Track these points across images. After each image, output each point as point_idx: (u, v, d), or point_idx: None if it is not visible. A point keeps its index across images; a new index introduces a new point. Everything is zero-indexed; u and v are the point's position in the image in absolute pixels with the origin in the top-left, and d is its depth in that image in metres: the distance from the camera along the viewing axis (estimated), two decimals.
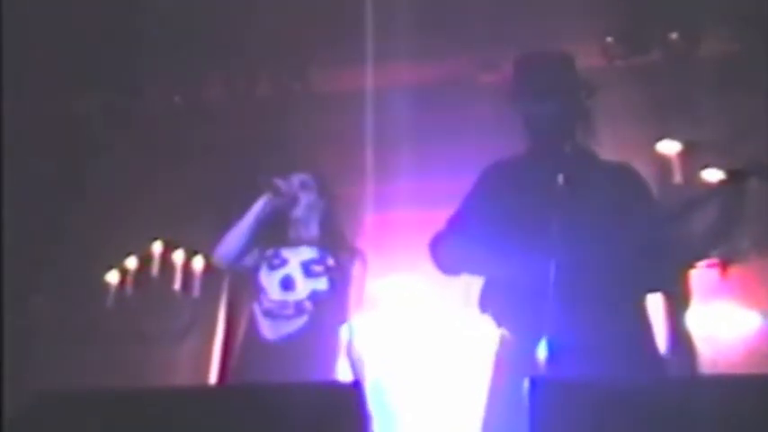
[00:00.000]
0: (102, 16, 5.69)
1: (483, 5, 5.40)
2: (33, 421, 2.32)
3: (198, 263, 5.86)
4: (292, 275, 4.06)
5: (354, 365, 4.04)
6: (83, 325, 5.87)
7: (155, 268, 5.96)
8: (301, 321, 3.98)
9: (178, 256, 5.95)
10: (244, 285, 4.32)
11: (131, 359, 5.59)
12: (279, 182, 4.17)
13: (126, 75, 6.20)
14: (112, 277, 5.93)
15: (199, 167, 6.12)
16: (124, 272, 5.96)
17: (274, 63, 6.27)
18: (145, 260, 5.97)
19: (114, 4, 5.61)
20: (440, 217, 3.26)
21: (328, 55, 5.88)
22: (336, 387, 2.96)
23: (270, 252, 4.16)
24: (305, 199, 4.22)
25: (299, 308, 4.00)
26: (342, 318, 4.06)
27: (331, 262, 4.11)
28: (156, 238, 6.01)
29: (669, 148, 5.27)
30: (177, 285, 5.92)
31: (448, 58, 5.88)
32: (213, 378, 5.64)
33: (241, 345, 4.17)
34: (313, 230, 4.23)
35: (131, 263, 5.97)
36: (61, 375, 5.27)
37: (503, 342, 3.08)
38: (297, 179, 4.24)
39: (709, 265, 4.55)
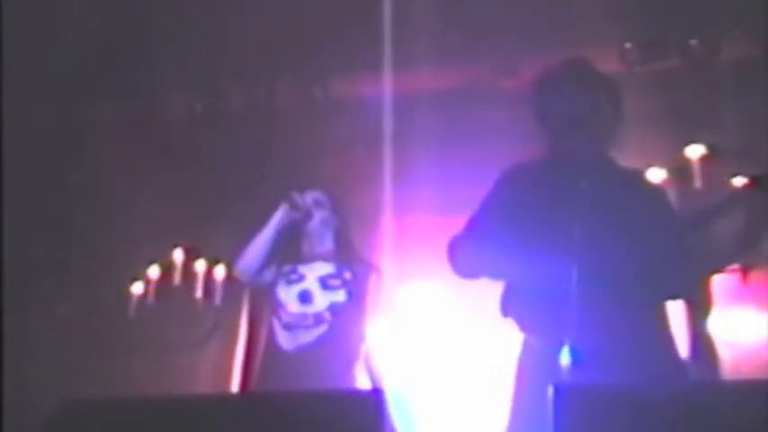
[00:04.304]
0: (123, 24, 5.72)
1: (502, 12, 5.40)
2: (60, 429, 2.34)
3: (219, 271, 5.88)
4: (310, 289, 4.14)
5: (373, 375, 4.08)
6: (106, 334, 5.90)
7: (176, 277, 5.99)
8: (320, 330, 4.05)
9: (200, 265, 5.96)
10: (265, 294, 4.35)
11: (154, 367, 5.61)
12: (296, 195, 4.25)
13: (147, 83, 6.23)
14: (135, 287, 5.96)
15: (219, 175, 6.14)
16: (147, 281, 5.98)
17: (295, 70, 6.28)
18: (167, 269, 6.00)
19: (136, 12, 5.63)
20: (460, 222, 3.26)
21: (349, 62, 5.89)
22: (357, 395, 2.97)
23: (287, 268, 4.24)
24: (318, 215, 4.29)
25: (318, 318, 4.07)
26: (360, 327, 4.12)
27: (348, 275, 4.18)
28: (176, 246, 6.03)
29: (690, 153, 5.25)
30: (199, 294, 5.93)
31: (467, 64, 5.88)
32: (235, 386, 5.65)
33: (260, 357, 4.24)
34: (327, 245, 4.32)
35: (153, 272, 5.99)
36: (85, 384, 5.29)
37: (526, 347, 3.08)
38: (310, 197, 4.33)
39: (729, 271, 4.53)
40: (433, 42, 5.38)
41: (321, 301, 4.10)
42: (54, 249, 6.15)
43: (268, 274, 4.25)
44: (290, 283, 4.17)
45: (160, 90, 6.42)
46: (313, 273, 4.19)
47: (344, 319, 4.08)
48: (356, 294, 4.14)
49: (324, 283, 4.15)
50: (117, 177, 6.31)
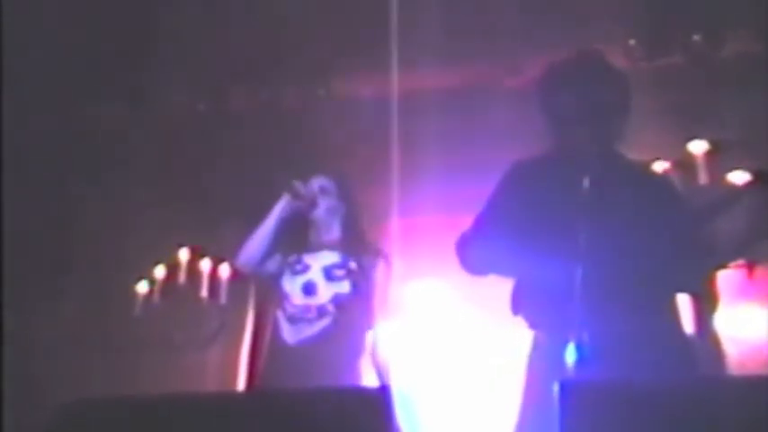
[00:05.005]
0: (127, 24, 5.72)
1: (506, 10, 5.40)
2: (65, 428, 2.35)
3: (224, 270, 5.89)
4: (314, 280, 4.07)
5: (380, 370, 4.04)
6: (111, 333, 5.91)
7: (182, 276, 5.99)
8: (323, 324, 3.99)
9: (205, 264, 5.97)
10: (270, 291, 4.32)
11: (160, 366, 5.61)
12: (298, 184, 4.19)
13: (150, 82, 6.23)
14: (141, 286, 5.96)
15: (223, 174, 6.15)
16: (152, 280, 5.99)
17: (298, 69, 6.27)
18: (172, 268, 6.00)
19: (140, 11, 5.64)
20: (464, 222, 3.26)
21: (353, 61, 5.89)
22: (363, 393, 2.97)
23: (292, 258, 4.16)
24: (324, 203, 4.22)
25: (321, 311, 4.00)
26: (365, 320, 4.05)
27: (353, 266, 4.11)
28: (181, 245, 6.04)
29: (694, 149, 5.25)
30: (204, 293, 5.94)
31: (472, 63, 5.88)
32: (241, 384, 5.65)
33: (265, 351, 4.18)
34: (334, 234, 4.24)
35: (159, 271, 5.99)
36: (90, 383, 5.30)
37: (535, 345, 3.07)
38: (316, 184, 4.25)
39: (735, 266, 4.52)
40: (436, 42, 5.37)
41: (325, 292, 4.04)
42: (58, 249, 6.16)
43: (272, 265, 4.19)
44: (294, 273, 4.11)
45: (163, 90, 6.41)
46: (318, 263, 4.12)
47: (349, 312, 4.01)
48: (361, 285, 4.07)
49: (328, 273, 4.08)
50: (120, 177, 6.32)
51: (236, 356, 5.82)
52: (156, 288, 5.97)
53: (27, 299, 5.69)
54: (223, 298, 5.93)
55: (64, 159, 6.25)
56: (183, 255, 6.04)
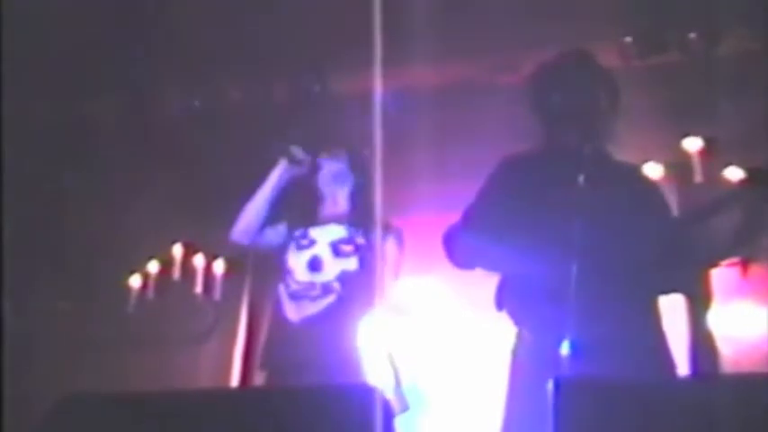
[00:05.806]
0: (122, 20, 5.72)
1: (501, 6, 5.40)
2: (60, 424, 2.34)
3: (219, 266, 5.88)
4: (320, 256, 3.88)
5: (392, 357, 3.87)
6: (106, 329, 5.90)
7: (176, 272, 5.99)
8: (327, 301, 3.81)
9: (199, 260, 5.97)
10: (265, 289, 4.28)
11: (153, 362, 5.61)
12: (295, 149, 4.03)
13: (146, 78, 6.22)
14: (135, 281, 5.96)
15: (218, 170, 6.14)
16: (146, 276, 5.99)
17: (292, 65, 6.27)
18: (166, 264, 6.00)
19: (135, 9, 5.63)
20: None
21: (347, 57, 5.88)
22: (357, 389, 2.97)
23: (298, 232, 3.98)
24: (329, 167, 4.08)
25: (326, 288, 3.82)
26: (372, 297, 3.85)
27: (361, 240, 3.93)
28: (175, 241, 6.04)
29: (689, 147, 5.26)
30: (199, 289, 5.94)
31: (466, 60, 5.87)
32: (235, 381, 5.65)
33: (267, 328, 4.06)
34: (342, 207, 4.07)
35: (153, 267, 5.99)
36: (85, 379, 5.29)
37: (520, 341, 3.08)
38: (326, 150, 4.11)
39: (729, 265, 4.53)
40: (432, 38, 5.36)
41: (331, 269, 3.84)
42: (54, 245, 6.15)
43: (275, 236, 4.02)
44: (300, 248, 3.91)
45: (158, 86, 6.40)
46: (325, 237, 3.91)
47: (354, 289, 3.82)
48: (369, 261, 3.88)
49: (335, 248, 3.88)
50: (116, 173, 6.31)
51: (230, 353, 5.83)
52: (150, 283, 5.97)
53: (23, 296, 5.68)
54: (217, 294, 5.93)
55: (59, 155, 6.24)
56: (178, 250, 6.03)
